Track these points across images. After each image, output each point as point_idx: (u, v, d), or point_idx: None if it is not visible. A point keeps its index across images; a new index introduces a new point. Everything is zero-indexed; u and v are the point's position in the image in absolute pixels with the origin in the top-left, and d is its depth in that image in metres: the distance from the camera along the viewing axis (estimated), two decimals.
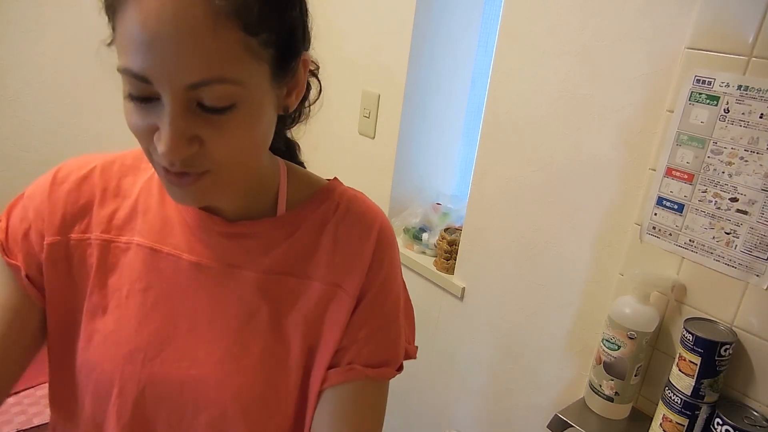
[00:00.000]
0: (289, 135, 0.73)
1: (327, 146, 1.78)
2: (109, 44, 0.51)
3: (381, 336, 0.66)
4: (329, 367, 0.64)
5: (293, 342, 0.63)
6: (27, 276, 0.63)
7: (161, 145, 0.49)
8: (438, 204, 1.66)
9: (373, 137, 1.66)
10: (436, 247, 1.56)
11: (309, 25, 0.58)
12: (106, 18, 0.51)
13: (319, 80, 0.68)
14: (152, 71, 0.47)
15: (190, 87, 0.48)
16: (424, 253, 1.61)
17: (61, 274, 0.63)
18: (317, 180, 0.70)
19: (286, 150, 0.73)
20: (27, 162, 1.86)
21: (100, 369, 0.61)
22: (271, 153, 0.66)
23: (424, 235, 1.60)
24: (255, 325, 0.63)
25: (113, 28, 0.50)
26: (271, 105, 0.55)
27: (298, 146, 0.75)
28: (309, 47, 0.60)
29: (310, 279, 0.64)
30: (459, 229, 1.52)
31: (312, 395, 0.64)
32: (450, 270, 1.51)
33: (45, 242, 0.63)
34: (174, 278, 0.63)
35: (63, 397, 0.66)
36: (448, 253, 1.51)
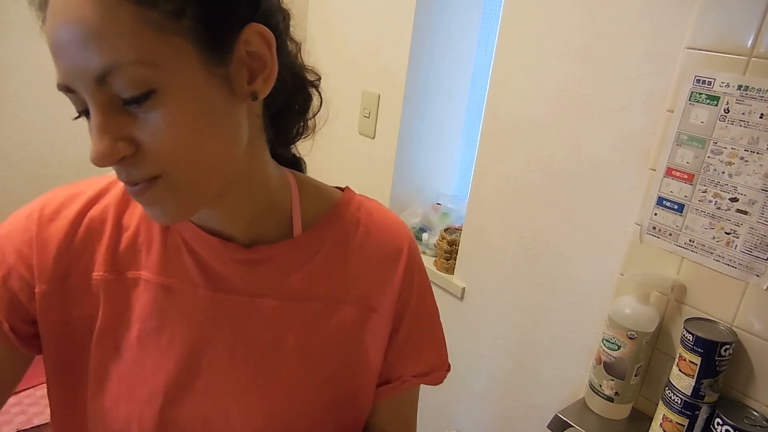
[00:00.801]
0: (295, 151, 0.69)
1: (327, 146, 1.78)
2: None
3: (426, 345, 0.69)
4: (380, 384, 0.66)
5: (323, 368, 0.62)
6: (11, 329, 0.56)
7: (91, 153, 0.45)
8: (438, 204, 1.66)
9: (373, 137, 1.66)
10: (436, 247, 1.56)
11: None
12: None
13: (319, 92, 0.64)
14: (66, 77, 0.45)
15: (98, 81, 0.44)
16: (424, 253, 1.61)
17: (58, 321, 0.58)
18: (330, 192, 0.66)
19: (291, 167, 0.68)
20: (27, 162, 1.86)
21: (115, 414, 0.57)
22: (277, 164, 0.62)
23: (424, 235, 1.60)
24: (280, 355, 0.60)
25: None
26: (216, 89, 0.48)
27: (304, 163, 0.71)
28: (267, 20, 0.51)
29: (338, 302, 0.62)
30: (459, 229, 1.52)
31: (361, 415, 0.66)
32: (450, 270, 1.51)
33: (36, 291, 0.56)
34: (189, 313, 0.58)
35: None
36: (448, 253, 1.51)
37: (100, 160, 0.45)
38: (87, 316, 0.58)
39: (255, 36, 0.49)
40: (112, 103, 0.45)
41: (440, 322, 0.71)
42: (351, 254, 0.63)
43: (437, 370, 0.69)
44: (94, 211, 0.59)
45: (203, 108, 0.47)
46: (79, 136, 1.91)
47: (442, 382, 0.69)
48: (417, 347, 0.67)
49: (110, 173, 0.63)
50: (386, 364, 0.66)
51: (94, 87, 0.44)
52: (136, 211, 0.60)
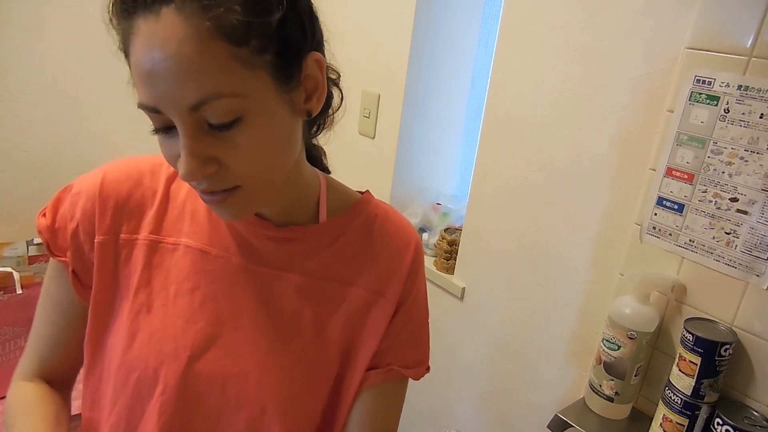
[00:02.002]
0: (314, 141, 0.75)
1: (327, 146, 1.78)
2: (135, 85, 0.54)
3: (415, 338, 0.74)
4: (368, 369, 0.70)
5: (332, 344, 0.67)
6: (73, 271, 0.65)
7: (180, 168, 0.51)
8: (438, 204, 1.66)
9: (373, 137, 1.66)
10: (436, 247, 1.56)
11: (314, 24, 0.58)
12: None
13: (340, 89, 0.69)
14: (157, 100, 0.49)
15: (191, 109, 0.49)
16: (424, 253, 1.61)
17: (108, 272, 0.65)
18: (352, 192, 0.74)
19: (313, 156, 0.75)
20: (27, 162, 1.86)
21: (144, 366, 0.62)
22: (310, 165, 0.69)
23: (424, 235, 1.60)
24: (297, 326, 0.66)
25: (130, 68, 0.52)
26: (284, 111, 0.54)
27: (324, 152, 0.77)
28: (319, 46, 0.59)
29: (351, 285, 0.68)
30: (459, 229, 1.52)
31: (348, 395, 0.69)
32: (450, 270, 1.51)
33: (96, 240, 0.64)
34: (222, 279, 0.65)
35: (93, 401, 0.67)
36: (448, 253, 1.51)
37: (190, 177, 0.51)
38: (128, 273, 0.65)
39: (313, 63, 0.56)
40: (199, 126, 0.50)
41: (428, 326, 0.76)
42: (367, 243, 0.70)
43: (420, 366, 0.74)
44: (149, 181, 0.67)
45: (277, 129, 0.54)
46: (79, 136, 1.92)
47: (420, 378, 0.74)
48: (407, 340, 0.72)
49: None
50: (377, 350, 0.70)
51: (186, 113, 0.49)
52: (183, 185, 0.67)
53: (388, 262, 0.70)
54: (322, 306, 0.67)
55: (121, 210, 0.65)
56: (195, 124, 0.50)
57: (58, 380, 0.70)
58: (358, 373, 0.69)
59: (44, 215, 0.67)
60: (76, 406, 0.71)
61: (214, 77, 0.48)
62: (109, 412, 0.65)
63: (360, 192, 0.74)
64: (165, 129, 0.52)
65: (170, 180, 0.68)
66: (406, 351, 0.72)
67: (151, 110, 0.51)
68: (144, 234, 0.65)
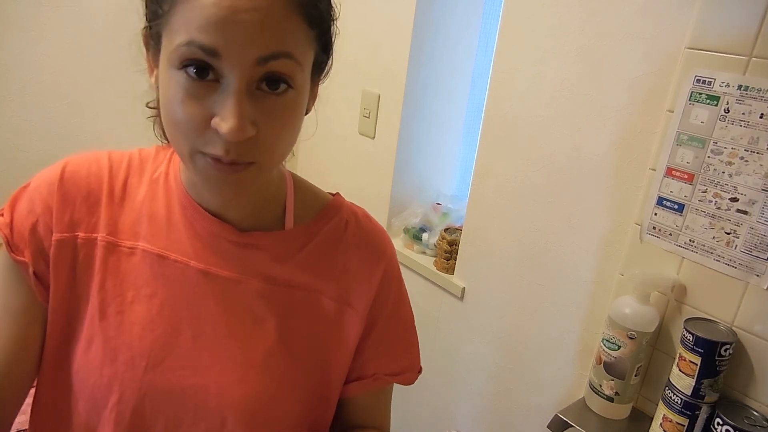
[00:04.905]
0: None
1: (327, 146, 1.78)
2: (150, 29, 0.54)
3: (400, 346, 0.72)
4: (354, 380, 0.70)
5: (299, 354, 0.65)
6: (34, 273, 0.61)
7: (226, 124, 0.49)
8: (438, 204, 1.66)
9: (373, 137, 1.66)
10: (436, 247, 1.56)
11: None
12: (145, 7, 0.54)
13: None
14: (225, 44, 0.49)
15: (260, 60, 0.49)
16: (424, 253, 1.61)
17: (65, 272, 0.62)
18: (322, 195, 0.71)
19: None
20: (27, 162, 1.86)
21: (99, 374, 0.59)
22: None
23: (424, 235, 1.60)
24: (260, 336, 0.63)
25: (167, 11, 0.51)
26: (307, 100, 0.58)
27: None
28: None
29: (318, 293, 0.66)
30: (459, 229, 1.52)
31: (328, 405, 0.68)
32: (450, 270, 1.51)
33: (53, 238, 0.61)
34: (181, 285, 0.62)
35: (53, 403, 0.64)
36: (448, 253, 1.51)
37: (236, 133, 0.49)
38: (87, 274, 0.62)
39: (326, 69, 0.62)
40: (251, 84, 0.51)
41: (415, 329, 0.75)
42: (336, 252, 0.67)
43: (409, 371, 0.73)
44: (109, 177, 0.64)
45: (301, 112, 0.57)
46: (79, 136, 1.92)
47: (413, 383, 0.73)
48: (391, 349, 0.71)
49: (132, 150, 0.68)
50: (360, 361, 0.70)
51: (251, 64, 0.50)
52: (141, 184, 0.65)
53: (358, 273, 0.68)
54: (287, 314, 0.64)
55: (81, 206, 0.62)
56: (249, 79, 0.50)
57: None
58: (337, 385, 0.68)
59: (2, 215, 0.63)
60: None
61: (292, 39, 0.51)
62: (69, 418, 0.62)
63: (331, 194, 0.72)
64: (201, 72, 0.50)
65: (133, 178, 0.65)
66: (389, 360, 0.71)
67: (207, 52, 0.49)
68: (102, 234, 0.62)
